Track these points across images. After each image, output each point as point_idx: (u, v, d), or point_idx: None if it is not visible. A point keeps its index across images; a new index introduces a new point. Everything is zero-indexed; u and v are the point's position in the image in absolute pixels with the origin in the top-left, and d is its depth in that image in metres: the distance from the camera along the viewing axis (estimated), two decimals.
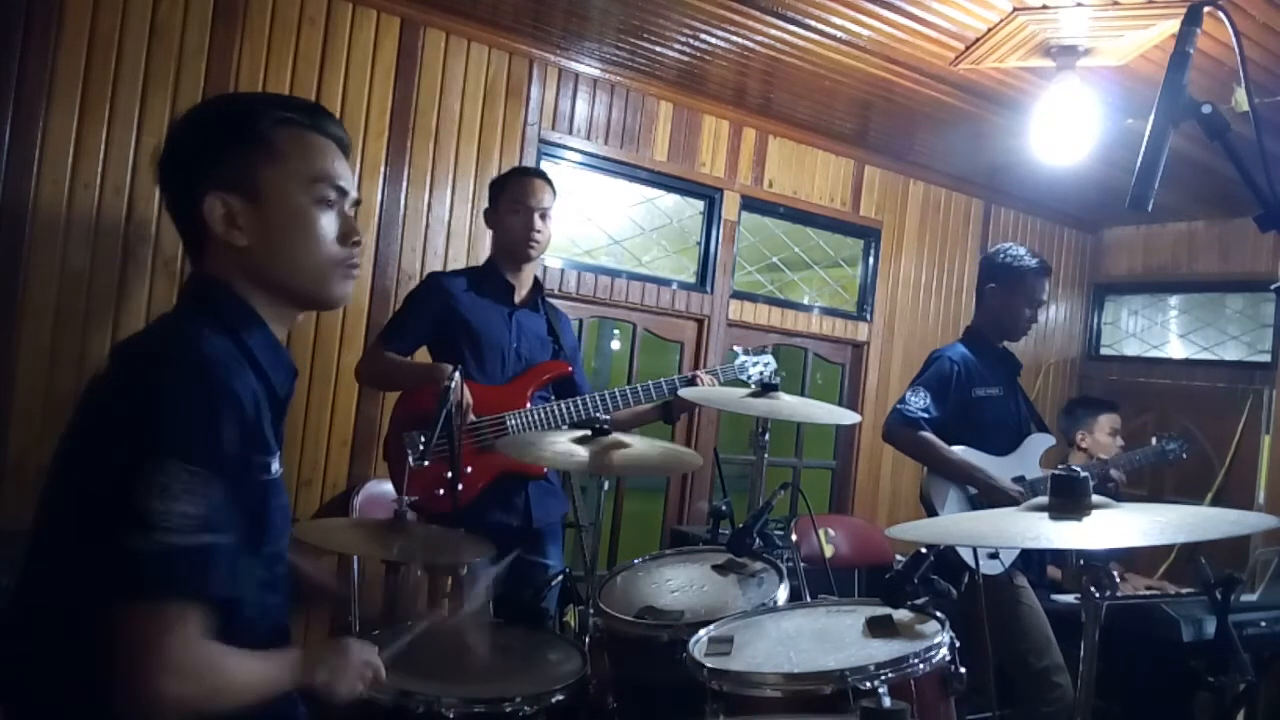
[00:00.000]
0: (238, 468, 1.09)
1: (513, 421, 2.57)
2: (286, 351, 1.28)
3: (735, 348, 2.86)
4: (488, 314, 2.65)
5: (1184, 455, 3.53)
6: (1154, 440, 3.53)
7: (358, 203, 1.31)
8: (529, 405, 2.61)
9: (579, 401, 2.63)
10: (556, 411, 2.60)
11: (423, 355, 2.75)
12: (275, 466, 1.19)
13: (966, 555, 2.59)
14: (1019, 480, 2.96)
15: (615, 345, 4.51)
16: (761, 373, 2.80)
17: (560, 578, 2.51)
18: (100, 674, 1.03)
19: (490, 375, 2.62)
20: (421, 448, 2.25)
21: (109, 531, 1.01)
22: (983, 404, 3.01)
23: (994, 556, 2.79)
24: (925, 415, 2.92)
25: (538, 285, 2.79)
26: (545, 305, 2.81)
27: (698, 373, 2.78)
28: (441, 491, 2.43)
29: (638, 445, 2.11)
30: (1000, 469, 2.95)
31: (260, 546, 1.16)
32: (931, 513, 2.96)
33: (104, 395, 1.12)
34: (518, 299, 2.71)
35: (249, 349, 1.20)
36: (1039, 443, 3.10)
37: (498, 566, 1.95)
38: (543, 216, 2.66)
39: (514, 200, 2.65)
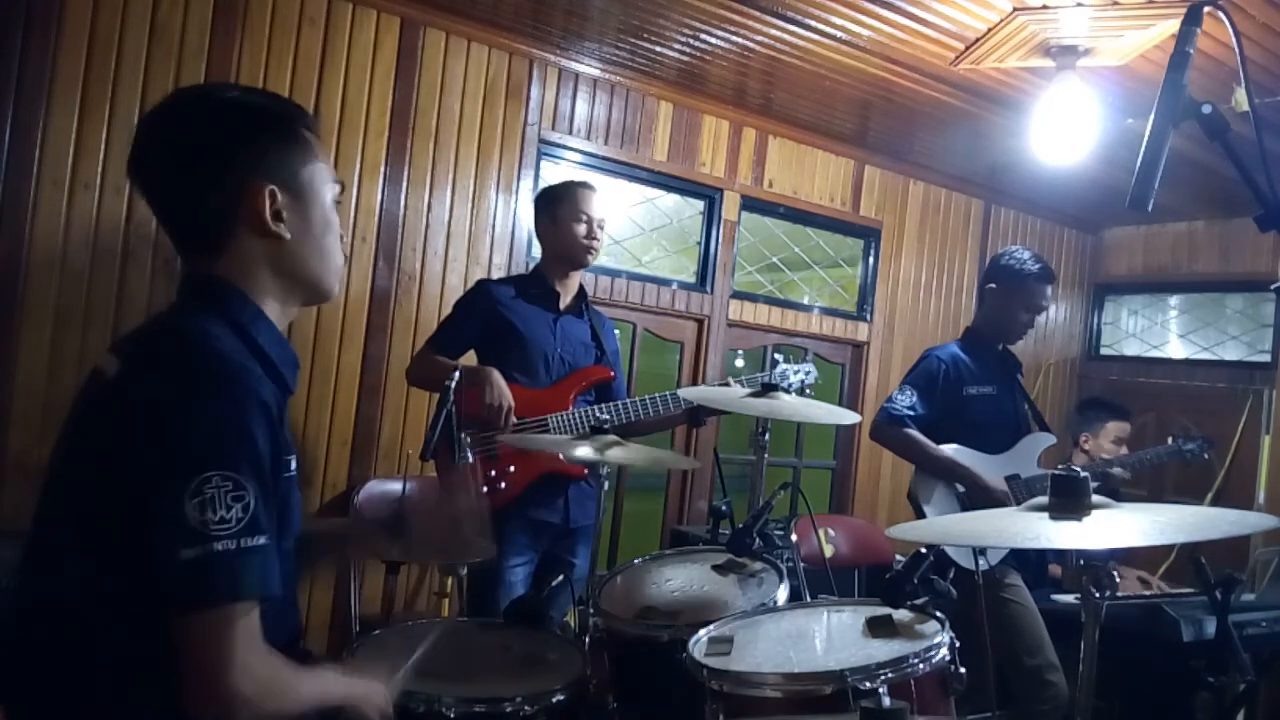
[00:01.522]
0: (270, 469, 1.11)
1: (555, 423, 2.66)
2: (290, 345, 1.30)
3: (776, 355, 2.92)
4: (533, 319, 2.74)
5: (1205, 456, 3.46)
6: (1170, 440, 3.50)
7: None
8: (572, 408, 2.70)
9: (613, 406, 2.72)
10: (596, 415, 2.65)
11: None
12: (294, 464, 1.21)
13: (954, 552, 2.59)
14: (1013, 479, 2.96)
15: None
16: (803, 380, 2.84)
17: (561, 579, 2.53)
18: (110, 676, 1.04)
19: (534, 378, 2.70)
20: (465, 446, 2.37)
21: (158, 544, 1.02)
22: (974, 402, 3.01)
23: (980, 554, 2.79)
24: (911, 413, 2.93)
25: (582, 292, 2.89)
26: (590, 312, 2.90)
27: (729, 381, 2.83)
28: (486, 489, 2.57)
29: (633, 446, 2.12)
30: (993, 467, 2.95)
31: (282, 543, 1.17)
32: (918, 510, 2.97)
33: (124, 397, 1.11)
34: (562, 305, 2.81)
35: (260, 346, 1.21)
36: (1038, 442, 3.09)
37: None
38: (600, 226, 2.80)
39: (577, 209, 2.76)
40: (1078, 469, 1.33)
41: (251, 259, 1.23)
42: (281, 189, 1.21)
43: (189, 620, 1.03)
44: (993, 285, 3.10)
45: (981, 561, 2.80)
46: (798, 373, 2.86)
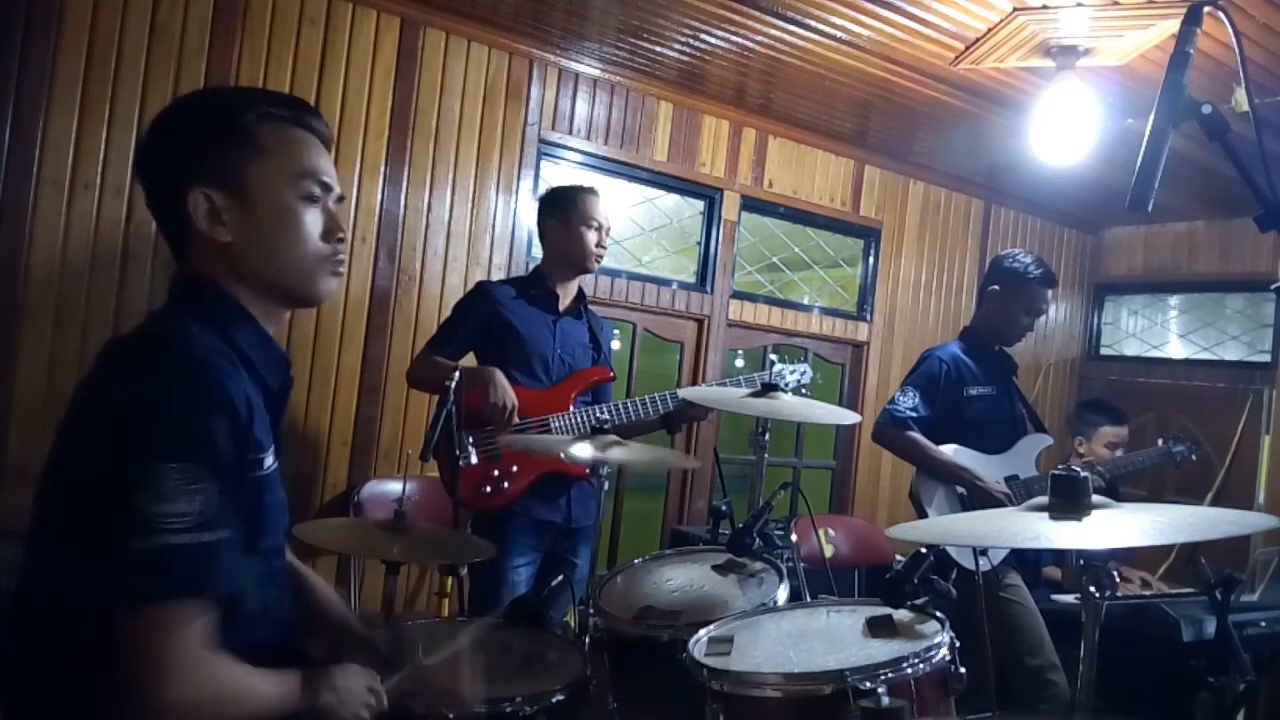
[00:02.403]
0: (231, 465, 1.09)
1: (556, 423, 2.67)
2: (277, 345, 1.27)
3: (772, 355, 2.92)
4: (532, 320, 2.75)
5: (1193, 457, 3.48)
6: (1160, 442, 3.50)
7: (341, 198, 1.31)
8: (572, 409, 2.71)
9: (613, 406, 2.74)
10: (594, 416, 2.66)
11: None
12: (269, 461, 1.18)
13: (955, 553, 2.59)
14: (1012, 479, 2.96)
15: (615, 345, 4.51)
16: (799, 380, 2.85)
17: (561, 579, 2.53)
18: (100, 675, 1.02)
19: (534, 379, 2.71)
20: (467, 445, 2.43)
21: (107, 534, 1.01)
22: (974, 403, 3.01)
23: (982, 554, 2.79)
24: (914, 414, 2.93)
25: (581, 294, 2.89)
26: (588, 313, 2.91)
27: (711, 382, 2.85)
28: (489, 489, 2.58)
29: (634, 446, 2.12)
30: (992, 468, 2.95)
31: (258, 541, 1.16)
32: (920, 511, 2.96)
33: (93, 395, 1.12)
34: (561, 307, 2.81)
35: (238, 345, 1.19)
36: (1035, 443, 3.09)
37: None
38: (608, 232, 2.83)
39: (588, 215, 2.77)
40: (1077, 469, 1.33)
41: (210, 262, 1.21)
42: (218, 190, 1.18)
43: (124, 615, 1.01)
44: (995, 287, 3.09)
45: (983, 561, 2.80)
46: (794, 373, 2.86)
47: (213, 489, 1.04)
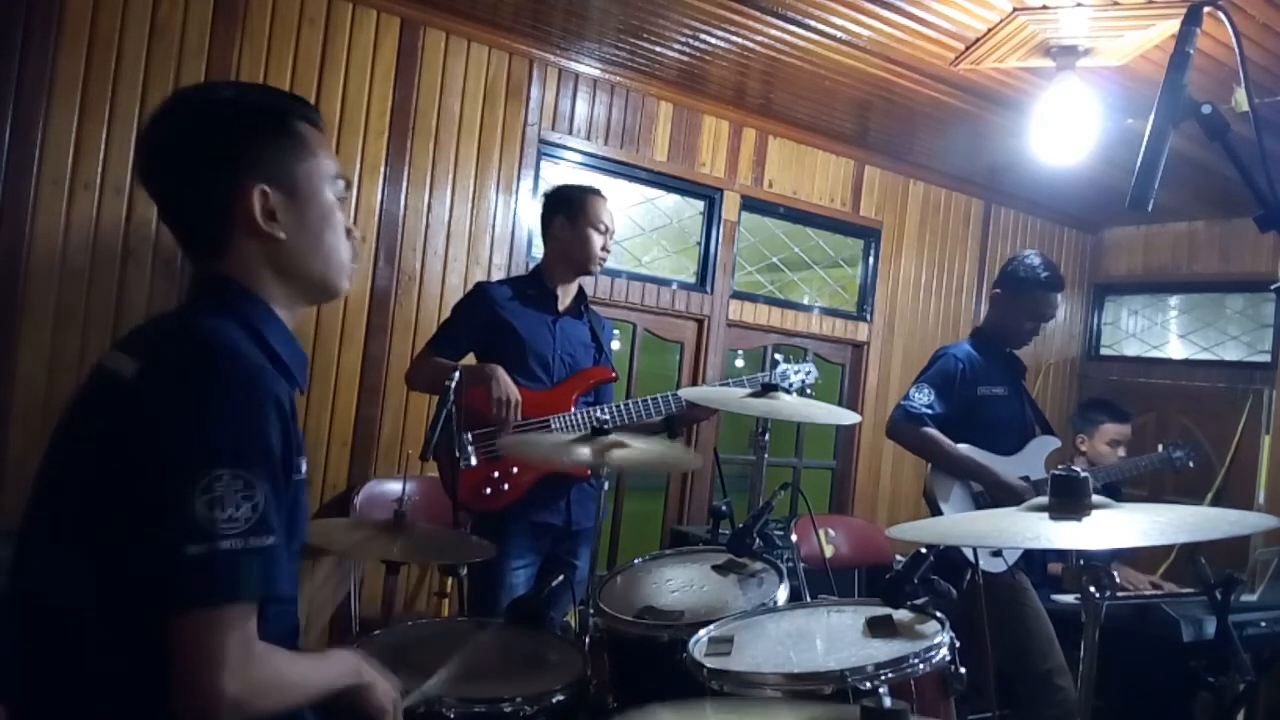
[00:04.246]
0: (282, 470, 1.10)
1: (557, 424, 2.65)
2: (299, 344, 1.29)
3: (776, 355, 2.92)
4: (532, 321, 2.73)
5: (1190, 464, 3.51)
6: (1160, 447, 3.53)
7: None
8: (573, 409, 2.70)
9: (613, 407, 2.72)
10: (597, 417, 2.66)
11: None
12: (304, 468, 1.20)
13: (969, 554, 2.59)
14: (1023, 480, 2.95)
15: (615, 345, 4.51)
16: (804, 380, 2.84)
17: (561, 580, 2.53)
18: (131, 677, 1.04)
19: (534, 379, 2.69)
20: (468, 446, 2.42)
21: (163, 539, 1.02)
22: (986, 403, 3.00)
23: (996, 554, 2.78)
24: (929, 411, 2.92)
25: (581, 294, 2.87)
26: (589, 313, 2.89)
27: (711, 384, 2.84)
28: (489, 491, 2.57)
29: (636, 445, 2.11)
30: (1005, 468, 2.94)
31: (289, 544, 1.16)
32: (935, 509, 2.95)
33: (139, 400, 1.09)
34: (561, 307, 2.79)
35: (271, 346, 1.20)
36: (1044, 444, 3.09)
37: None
38: (612, 235, 2.82)
39: (596, 218, 2.76)
40: (1077, 469, 1.33)
41: (252, 259, 1.21)
42: (274, 188, 1.19)
43: (185, 618, 1.03)
44: (999, 290, 3.10)
45: (999, 562, 2.80)
46: (798, 373, 2.86)
47: (266, 494, 1.06)
